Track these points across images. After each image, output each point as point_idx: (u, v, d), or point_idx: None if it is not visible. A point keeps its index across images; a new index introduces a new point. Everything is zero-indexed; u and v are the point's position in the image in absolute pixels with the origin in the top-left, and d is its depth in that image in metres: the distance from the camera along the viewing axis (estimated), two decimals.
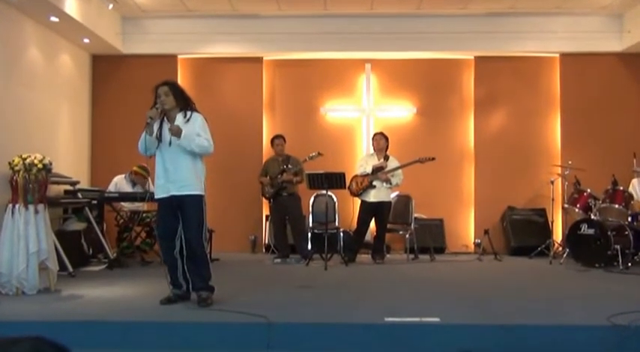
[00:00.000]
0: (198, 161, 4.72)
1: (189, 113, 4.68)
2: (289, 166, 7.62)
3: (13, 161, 5.22)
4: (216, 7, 8.46)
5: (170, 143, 4.60)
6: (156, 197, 4.75)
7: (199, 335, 3.98)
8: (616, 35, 8.61)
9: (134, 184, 7.61)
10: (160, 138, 4.63)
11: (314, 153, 7.49)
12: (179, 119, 4.66)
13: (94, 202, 7.26)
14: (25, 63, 7.07)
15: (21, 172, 5.17)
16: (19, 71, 6.93)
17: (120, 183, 7.64)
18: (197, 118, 4.70)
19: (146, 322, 4.16)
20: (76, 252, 6.80)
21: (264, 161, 8.22)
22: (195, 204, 4.63)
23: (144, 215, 7.40)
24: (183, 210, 4.62)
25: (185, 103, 4.73)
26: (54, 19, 7.15)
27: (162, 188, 4.67)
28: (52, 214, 6.09)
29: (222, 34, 8.80)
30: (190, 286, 4.72)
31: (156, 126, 4.66)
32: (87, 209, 7.12)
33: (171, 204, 4.64)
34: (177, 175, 4.61)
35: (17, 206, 5.13)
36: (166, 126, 4.66)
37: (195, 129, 4.62)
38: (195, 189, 4.64)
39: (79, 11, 7.29)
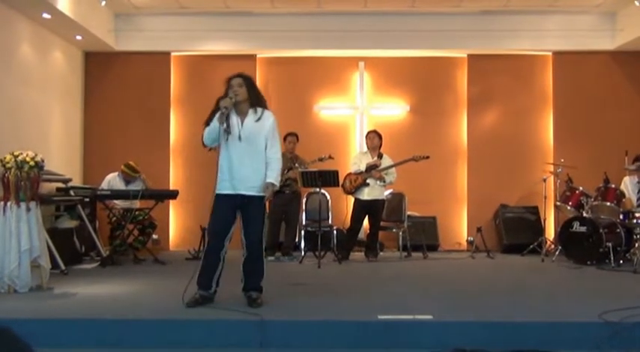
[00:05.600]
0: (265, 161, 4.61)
1: (259, 110, 4.56)
2: (296, 165, 7.62)
3: (5, 158, 5.18)
4: (209, 4, 8.44)
5: (240, 138, 4.47)
6: (218, 192, 4.55)
7: (193, 333, 3.98)
8: (609, 33, 8.64)
9: (127, 182, 7.59)
10: (227, 131, 4.47)
11: (325, 156, 7.52)
12: (251, 115, 4.54)
13: (87, 200, 7.23)
14: (17, 60, 7.03)
15: (13, 169, 5.14)
16: (11, 68, 6.89)
17: (112, 180, 7.61)
18: (269, 118, 4.58)
19: (139, 320, 4.14)
20: (69, 250, 6.77)
21: None
22: (261, 205, 4.56)
23: (136, 213, 7.37)
24: (248, 211, 4.52)
25: (257, 99, 4.61)
26: (46, 15, 7.12)
27: (227, 183, 4.50)
28: (45, 212, 6.06)
29: (215, 32, 8.77)
30: (217, 289, 4.61)
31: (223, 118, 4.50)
32: (79, 206, 7.09)
33: (234, 202, 4.50)
34: (244, 173, 4.47)
35: (9, 203, 5.10)
36: (235, 118, 4.52)
37: (265, 132, 4.53)
38: (261, 190, 4.53)
39: (72, 8, 7.25)
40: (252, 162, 4.50)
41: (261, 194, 4.54)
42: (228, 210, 4.52)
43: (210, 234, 4.62)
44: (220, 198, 4.54)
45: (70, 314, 4.28)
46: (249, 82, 4.60)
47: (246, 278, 4.65)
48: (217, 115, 4.44)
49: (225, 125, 4.43)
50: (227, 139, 4.48)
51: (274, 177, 4.58)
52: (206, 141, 4.56)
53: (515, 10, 8.56)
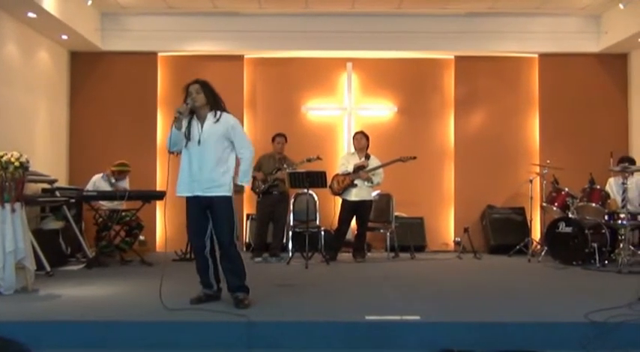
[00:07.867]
0: (230, 159, 4.62)
1: (219, 113, 4.60)
2: (285, 166, 7.60)
3: None
4: (196, 4, 8.42)
5: (199, 141, 4.52)
6: (178, 194, 4.62)
7: (179, 335, 3.95)
8: (594, 36, 8.73)
9: (111, 183, 7.54)
10: (188, 136, 4.55)
11: (313, 156, 7.52)
12: (209, 119, 4.58)
13: (73, 201, 7.17)
14: (2, 59, 6.96)
15: None
16: None
17: (98, 182, 7.56)
18: (228, 119, 4.61)
19: (125, 322, 4.12)
20: (54, 251, 6.72)
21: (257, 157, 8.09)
22: (224, 204, 4.55)
23: (123, 214, 7.33)
24: (213, 211, 4.55)
25: (215, 102, 4.65)
26: (32, 15, 7.06)
27: (186, 186, 4.57)
28: (30, 213, 6.02)
29: (202, 32, 8.75)
30: (219, 286, 4.73)
31: (184, 123, 4.57)
32: (65, 207, 7.03)
33: (199, 203, 4.56)
34: (203, 175, 4.51)
35: None
36: (195, 123, 4.59)
37: (222, 130, 4.54)
38: (224, 190, 4.54)
39: (57, 7, 7.19)
40: (210, 164, 4.54)
41: (225, 194, 4.55)
42: (197, 210, 4.60)
43: (189, 236, 4.84)
44: (187, 201, 4.65)
45: (56, 316, 4.25)
46: (206, 87, 4.66)
47: (227, 278, 4.69)
48: (174, 120, 4.51)
49: (184, 130, 4.54)
50: (186, 145, 4.58)
51: (243, 179, 4.65)
52: (167, 145, 4.63)
53: (502, 12, 8.63)
